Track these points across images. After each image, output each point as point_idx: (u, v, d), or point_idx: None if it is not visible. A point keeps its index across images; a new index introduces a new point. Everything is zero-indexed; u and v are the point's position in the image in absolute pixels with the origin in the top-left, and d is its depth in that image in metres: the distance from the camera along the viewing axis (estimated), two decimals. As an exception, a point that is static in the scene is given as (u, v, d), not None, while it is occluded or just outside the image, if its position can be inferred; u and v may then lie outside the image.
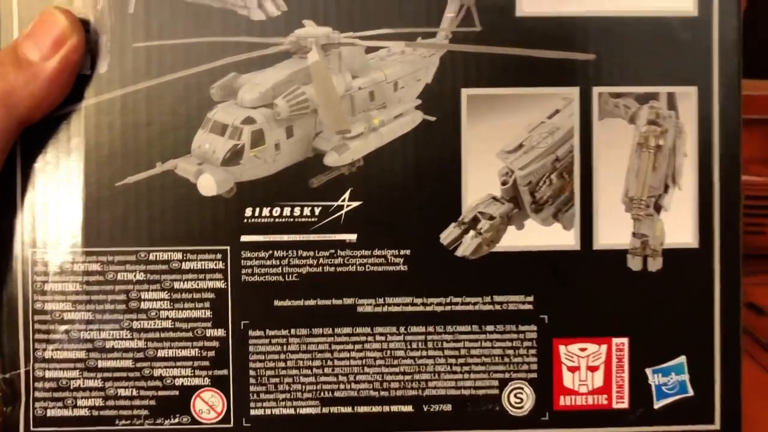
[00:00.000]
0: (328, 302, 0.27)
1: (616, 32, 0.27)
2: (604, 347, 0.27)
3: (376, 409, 0.27)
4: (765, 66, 0.53)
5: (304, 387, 0.27)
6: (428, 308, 0.27)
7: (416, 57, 0.27)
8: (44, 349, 0.27)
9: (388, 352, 0.27)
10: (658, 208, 0.27)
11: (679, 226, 0.27)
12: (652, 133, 0.27)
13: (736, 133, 0.27)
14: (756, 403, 0.37)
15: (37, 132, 0.26)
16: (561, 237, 0.27)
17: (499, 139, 0.27)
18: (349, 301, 0.27)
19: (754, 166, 0.55)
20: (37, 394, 0.27)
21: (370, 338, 0.27)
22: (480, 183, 0.27)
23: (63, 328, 0.27)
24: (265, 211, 0.27)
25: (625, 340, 0.27)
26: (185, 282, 0.27)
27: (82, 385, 0.27)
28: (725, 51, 0.27)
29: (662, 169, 0.27)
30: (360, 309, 0.27)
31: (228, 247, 0.27)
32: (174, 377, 0.27)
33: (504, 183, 0.27)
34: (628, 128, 0.27)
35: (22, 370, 0.27)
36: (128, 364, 0.27)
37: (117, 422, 0.27)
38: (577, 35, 0.27)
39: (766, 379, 0.43)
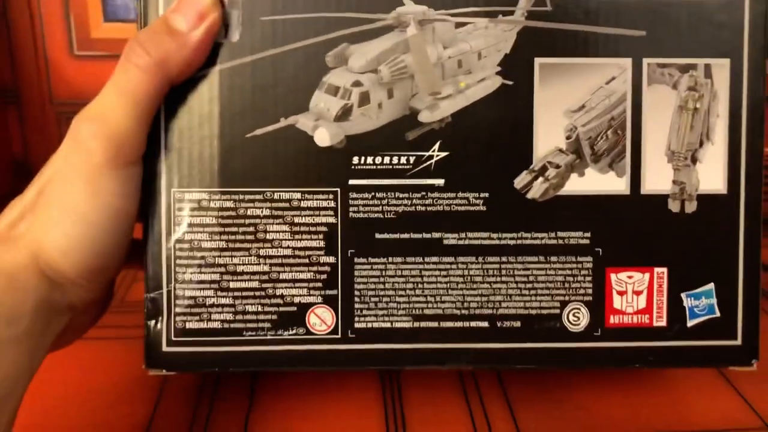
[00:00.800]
0: (419, 236, 0.32)
1: (663, 12, 0.32)
2: (647, 275, 0.33)
3: (458, 324, 0.33)
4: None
5: (398, 305, 0.33)
6: (502, 242, 0.32)
7: (497, 31, 0.32)
8: (184, 272, 0.32)
9: (469, 277, 0.33)
10: (694, 160, 0.32)
11: (711, 175, 0.33)
12: (690, 97, 0.32)
13: (761, 98, 0.32)
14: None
15: (179, 90, 0.31)
16: (614, 183, 0.32)
17: (565, 101, 0.32)
18: (437, 235, 0.32)
19: None
20: (178, 310, 0.32)
21: (453, 266, 0.33)
22: (549, 137, 0.32)
23: (200, 254, 0.32)
24: (369, 160, 0.32)
25: (664, 270, 0.33)
26: (303, 217, 0.32)
27: (215, 303, 0.32)
28: (754, 30, 0.32)
29: (698, 128, 0.32)
30: (445, 242, 0.32)
31: (338, 189, 0.32)
32: (292, 296, 0.32)
33: (568, 137, 0.32)
34: (671, 93, 0.32)
35: (165, 290, 0.32)
36: (255, 284, 0.32)
37: (244, 333, 0.32)
38: (631, 15, 0.32)
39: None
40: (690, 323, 0.33)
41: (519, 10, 0.32)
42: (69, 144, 0.29)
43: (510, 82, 0.32)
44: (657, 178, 0.32)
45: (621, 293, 0.33)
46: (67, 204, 0.29)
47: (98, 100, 0.30)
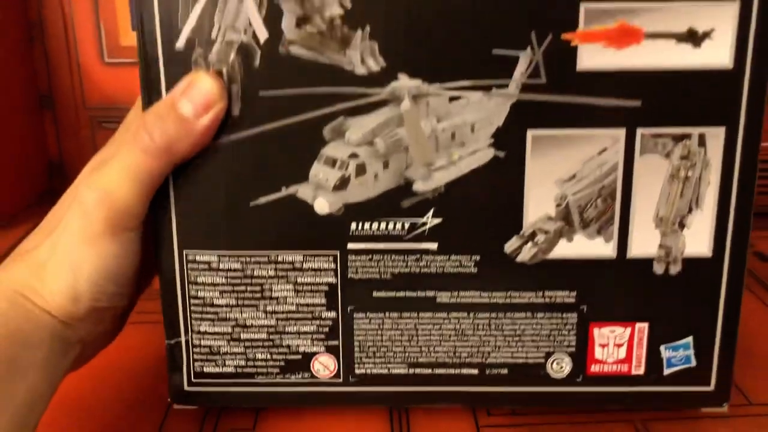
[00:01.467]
0: (413, 294, 0.35)
1: (660, 82, 0.32)
2: (629, 329, 0.35)
3: (450, 371, 0.36)
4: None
5: (395, 354, 0.36)
6: (492, 300, 0.35)
7: (491, 105, 0.32)
8: (199, 325, 0.35)
9: (460, 331, 0.35)
10: (682, 226, 0.33)
11: (697, 240, 0.34)
12: (683, 166, 0.33)
13: (754, 166, 0.33)
14: (755, 329, 0.45)
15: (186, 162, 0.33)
16: (602, 248, 0.34)
17: (556, 171, 0.33)
18: (430, 293, 0.35)
19: None
20: (195, 357, 0.36)
21: (445, 321, 0.35)
22: (539, 205, 0.33)
23: (212, 310, 0.35)
24: (366, 226, 0.34)
25: (645, 324, 0.35)
26: (305, 277, 0.34)
27: (228, 351, 0.36)
28: (753, 99, 0.32)
29: (688, 195, 0.33)
30: (438, 300, 0.35)
31: (338, 252, 0.34)
32: (298, 345, 0.35)
33: (558, 205, 0.33)
34: (663, 162, 0.33)
35: (183, 339, 0.35)
36: (263, 336, 0.35)
37: (255, 377, 0.36)
38: (627, 85, 0.32)
39: (765, 312, 0.50)
40: (666, 372, 0.35)
41: (513, 83, 0.32)
42: (75, 208, 0.32)
43: (502, 154, 0.33)
44: (644, 243, 0.34)
45: (603, 345, 0.35)
46: (72, 261, 0.32)
47: (105, 171, 0.32)
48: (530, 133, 0.32)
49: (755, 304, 0.51)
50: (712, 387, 0.36)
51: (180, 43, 0.32)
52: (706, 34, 0.31)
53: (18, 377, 0.30)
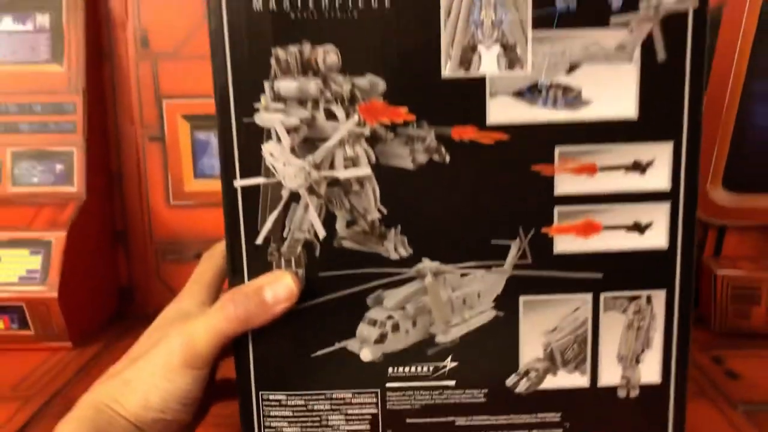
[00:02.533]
0: (438, 420, 0.45)
1: (615, 259, 0.43)
2: (602, 440, 0.46)
3: (466, 476, 0.46)
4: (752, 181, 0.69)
5: (424, 465, 0.46)
6: (498, 422, 0.45)
7: (492, 278, 0.43)
8: (271, 447, 0.45)
9: (474, 444, 0.46)
10: (638, 361, 0.44)
11: (650, 371, 0.45)
12: (636, 318, 0.44)
13: (688, 314, 0.44)
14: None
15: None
16: (579, 380, 0.45)
17: (542, 324, 0.44)
18: (450, 419, 0.45)
19: (743, 262, 0.72)
20: (268, 472, 0.46)
21: (462, 437, 0.46)
22: (531, 350, 0.44)
23: (282, 436, 0.45)
24: (401, 369, 0.44)
25: (614, 434, 0.46)
26: (354, 409, 0.45)
27: (294, 466, 0.46)
28: (684, 269, 0.43)
29: (642, 339, 0.44)
30: (457, 423, 0.45)
31: (379, 390, 0.44)
32: (348, 461, 0.46)
33: (545, 350, 0.44)
34: (622, 316, 0.44)
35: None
36: (322, 454, 0.45)
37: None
38: (591, 263, 0.43)
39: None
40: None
41: (508, 263, 0.43)
42: (163, 346, 0.42)
43: (501, 314, 0.44)
44: (610, 375, 0.45)
45: (583, 452, 0.46)
46: (150, 382, 0.41)
47: (193, 325, 0.42)
48: (522, 299, 0.43)
49: (721, 425, 0.55)
50: (666, 481, 0.46)
51: (259, 240, 0.42)
52: (649, 164, 0.42)
53: None
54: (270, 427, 0.45)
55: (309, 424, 0.45)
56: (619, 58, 0.40)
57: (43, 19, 0.74)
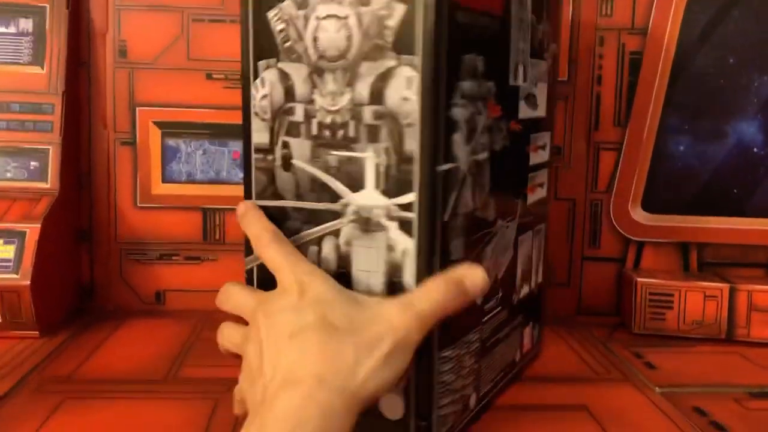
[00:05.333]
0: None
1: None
2: None
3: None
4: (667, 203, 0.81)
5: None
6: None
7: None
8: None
9: None
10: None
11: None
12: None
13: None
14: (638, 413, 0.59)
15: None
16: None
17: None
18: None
19: (659, 273, 0.83)
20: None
21: None
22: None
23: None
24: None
25: None
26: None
27: None
28: None
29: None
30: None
31: None
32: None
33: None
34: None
35: None
36: None
37: None
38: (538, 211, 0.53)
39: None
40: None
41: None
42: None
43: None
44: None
45: None
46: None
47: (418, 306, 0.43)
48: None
49: (643, 404, 0.61)
50: None
51: (446, 217, 0.46)
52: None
53: None
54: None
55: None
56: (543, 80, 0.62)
57: (27, 24, 0.78)
